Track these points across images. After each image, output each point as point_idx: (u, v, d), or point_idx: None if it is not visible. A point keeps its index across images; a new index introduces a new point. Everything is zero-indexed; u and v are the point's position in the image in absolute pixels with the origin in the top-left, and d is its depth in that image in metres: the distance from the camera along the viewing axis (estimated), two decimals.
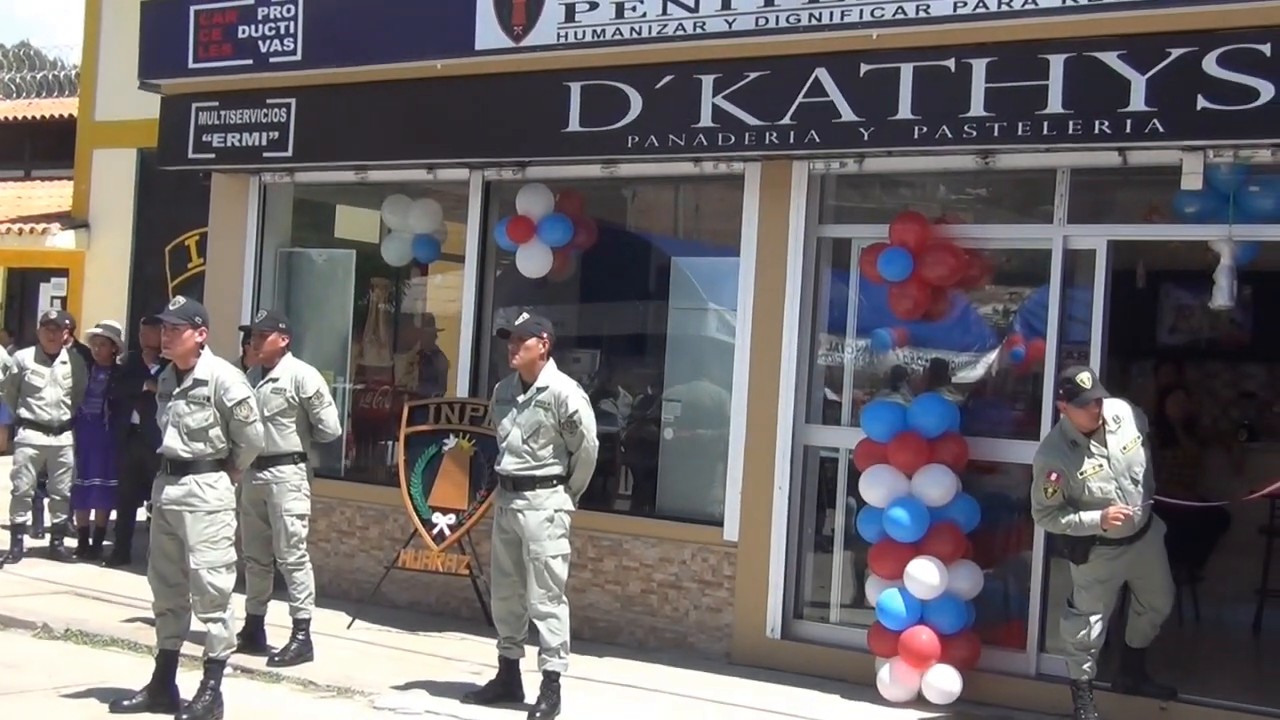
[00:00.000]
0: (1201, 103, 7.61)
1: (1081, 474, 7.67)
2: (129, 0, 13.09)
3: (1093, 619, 7.82)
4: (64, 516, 12.11)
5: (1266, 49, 7.43)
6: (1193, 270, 10.29)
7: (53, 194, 19.71)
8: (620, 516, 10.11)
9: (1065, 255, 8.48)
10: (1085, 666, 7.86)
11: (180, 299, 7.89)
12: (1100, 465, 7.69)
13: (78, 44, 18.85)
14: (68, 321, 12.25)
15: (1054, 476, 7.68)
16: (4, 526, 11.97)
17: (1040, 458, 7.82)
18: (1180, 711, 8.05)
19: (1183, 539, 9.27)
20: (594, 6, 9.35)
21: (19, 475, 11.83)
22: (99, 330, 12.43)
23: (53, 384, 11.85)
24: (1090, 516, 7.64)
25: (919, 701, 8.37)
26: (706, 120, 9.05)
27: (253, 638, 8.90)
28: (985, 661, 8.51)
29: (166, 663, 7.79)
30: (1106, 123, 7.87)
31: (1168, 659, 8.53)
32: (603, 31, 9.35)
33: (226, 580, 7.62)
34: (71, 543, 12.25)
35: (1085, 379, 7.66)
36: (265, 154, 10.97)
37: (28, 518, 12.03)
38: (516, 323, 7.98)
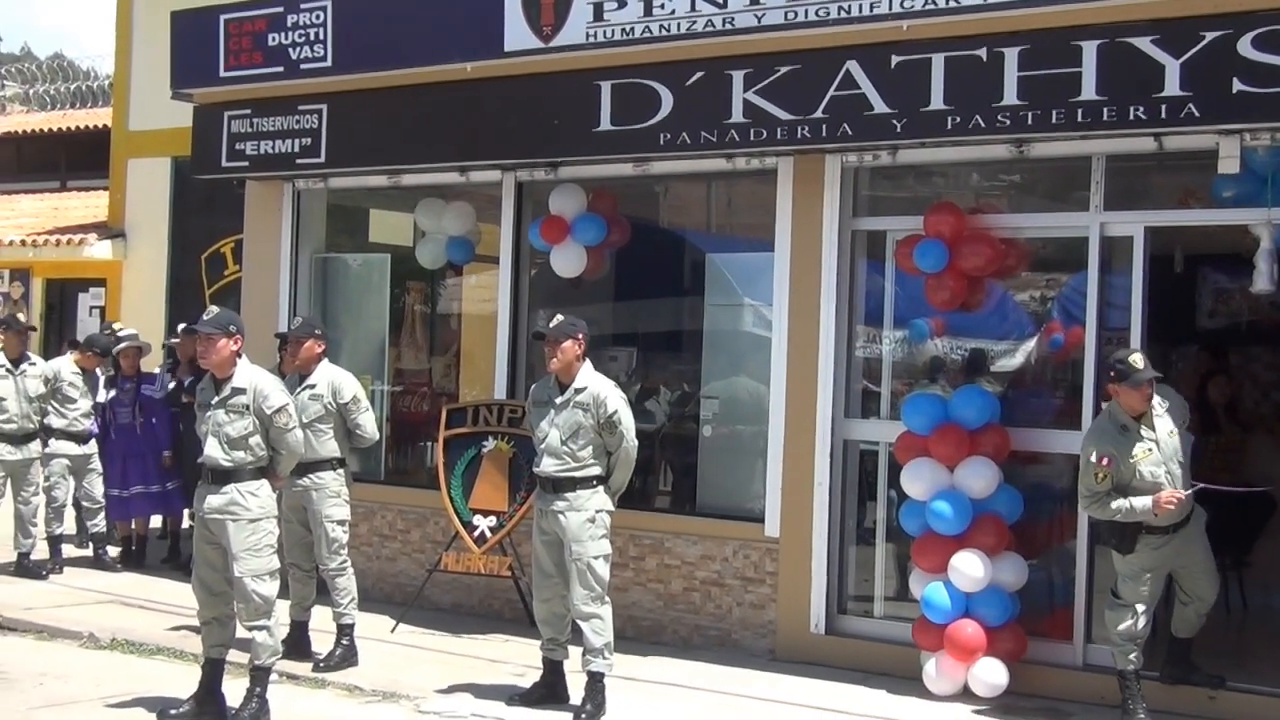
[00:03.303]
0: (1237, 85, 7.53)
1: (1133, 458, 7.61)
2: (160, 10, 13.16)
3: (1139, 609, 7.76)
4: (102, 523, 12.19)
5: None
6: (1230, 254, 10.22)
7: (88, 204, 19.82)
8: (661, 515, 10.11)
9: (1102, 242, 8.42)
10: (1132, 657, 7.80)
11: (214, 308, 7.92)
12: (1150, 449, 7.64)
13: (109, 54, 18.94)
14: (102, 346, 12.30)
15: (1105, 461, 7.61)
16: (43, 538, 12.03)
17: (1090, 443, 7.75)
18: (1229, 700, 7.99)
19: (1228, 525, 9.21)
20: (622, 5, 9.33)
21: (56, 486, 11.94)
22: (124, 340, 12.44)
23: (84, 395, 11.98)
24: (1142, 502, 7.57)
25: (965, 695, 8.34)
26: (738, 116, 9.02)
27: (297, 643, 8.92)
28: (1031, 653, 8.47)
29: (213, 671, 7.82)
30: (1141, 108, 7.80)
31: (1215, 646, 8.45)
32: (632, 29, 9.33)
33: (270, 588, 7.65)
34: (114, 551, 12.33)
35: (1138, 360, 7.63)
36: (298, 160, 11.01)
37: (66, 527, 12.12)
38: (551, 325, 7.97)
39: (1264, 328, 12.88)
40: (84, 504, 12.16)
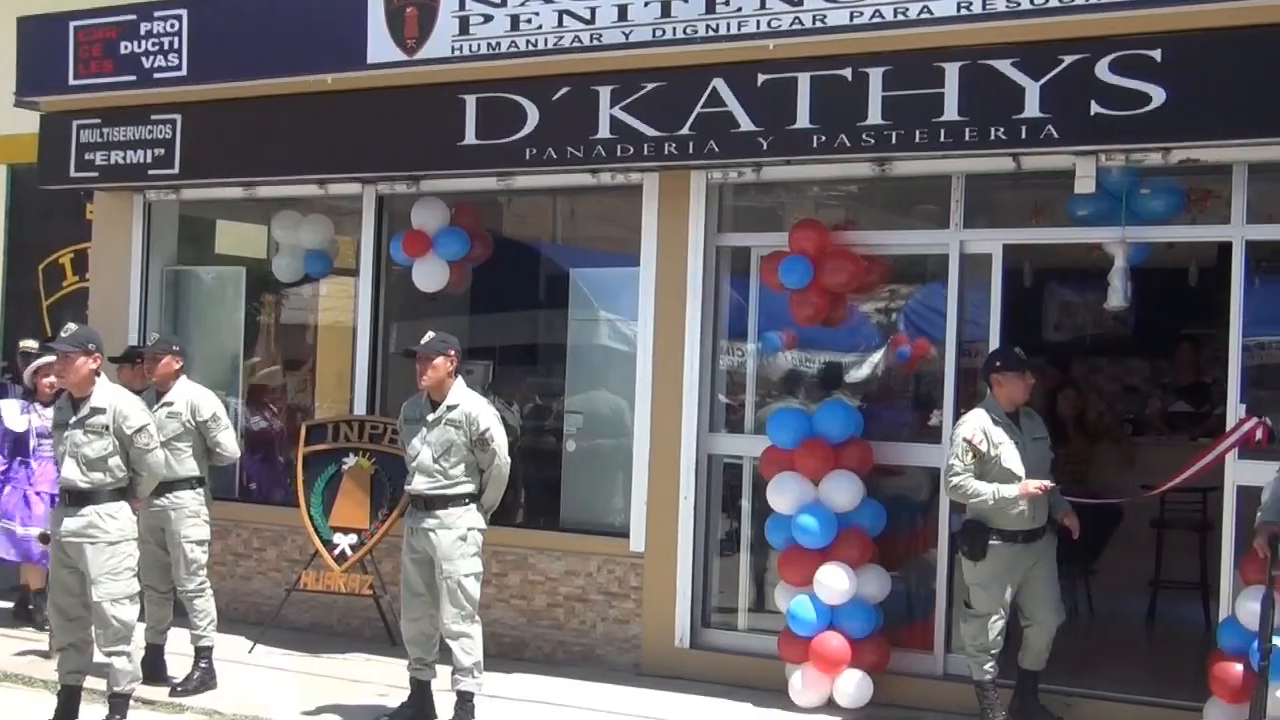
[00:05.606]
0: (1094, 108, 7.73)
1: (997, 448, 7.76)
2: None
3: (991, 619, 7.87)
4: None
5: (1157, 55, 7.57)
6: (1075, 269, 10.48)
7: None
8: (524, 530, 10.03)
9: (962, 259, 8.58)
10: (987, 667, 7.92)
11: (73, 325, 7.71)
12: (1016, 443, 7.81)
13: None
14: None
15: (976, 439, 7.73)
16: None
17: (962, 425, 7.87)
18: (1082, 707, 8.17)
19: (1077, 534, 9.45)
20: (488, 19, 9.27)
21: None
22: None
23: None
24: (1009, 489, 7.69)
25: (830, 707, 8.42)
26: (604, 132, 9.02)
27: (154, 667, 8.69)
28: (894, 664, 8.58)
29: (69, 699, 7.62)
30: (1001, 129, 7.97)
31: (1065, 654, 8.59)
32: (498, 44, 9.27)
33: (130, 612, 7.48)
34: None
35: (1020, 351, 7.90)
36: (150, 171, 10.75)
37: None
38: (422, 342, 7.89)
39: (1106, 340, 13.29)
40: None
